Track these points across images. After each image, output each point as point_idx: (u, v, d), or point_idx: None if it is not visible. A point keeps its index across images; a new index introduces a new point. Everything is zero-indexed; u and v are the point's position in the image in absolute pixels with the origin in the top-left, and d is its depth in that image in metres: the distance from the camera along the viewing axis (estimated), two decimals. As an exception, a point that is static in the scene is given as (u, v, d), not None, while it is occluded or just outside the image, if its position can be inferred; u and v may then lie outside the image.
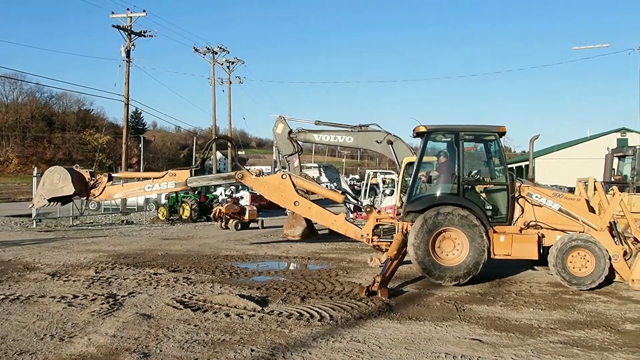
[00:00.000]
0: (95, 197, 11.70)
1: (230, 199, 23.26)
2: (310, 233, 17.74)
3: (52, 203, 11.89)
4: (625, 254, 9.41)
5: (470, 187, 9.91)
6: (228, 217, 21.24)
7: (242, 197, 29.09)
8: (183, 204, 25.37)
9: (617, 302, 8.58)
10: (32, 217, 20.83)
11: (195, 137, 78.97)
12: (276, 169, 18.34)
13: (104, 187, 11.43)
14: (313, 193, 12.14)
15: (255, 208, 22.92)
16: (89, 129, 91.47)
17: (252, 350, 5.91)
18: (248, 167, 11.77)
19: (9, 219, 23.24)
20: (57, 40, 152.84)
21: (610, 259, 9.24)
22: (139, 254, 13.37)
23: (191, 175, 11.11)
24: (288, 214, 22.70)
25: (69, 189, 11.15)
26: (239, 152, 63.32)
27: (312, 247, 15.28)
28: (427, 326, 7.05)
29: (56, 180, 11.18)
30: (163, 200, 27.87)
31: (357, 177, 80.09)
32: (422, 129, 10.07)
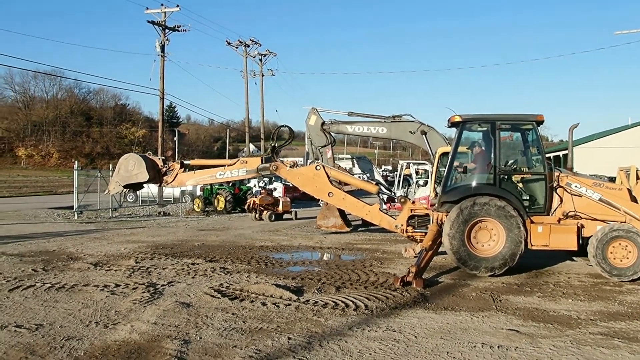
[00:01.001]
0: (167, 184, 11.89)
1: (264, 191, 23.48)
2: (344, 224, 17.77)
3: (126, 190, 12.13)
4: (668, 244, 9.16)
5: (507, 177, 9.78)
6: (262, 208, 21.46)
7: (275, 189, 29.35)
8: (218, 196, 25.73)
9: (660, 294, 8.39)
10: (74, 209, 21.45)
11: (228, 130, 79.73)
12: (309, 161, 18.41)
13: (177, 174, 11.59)
14: (347, 184, 12.16)
15: (288, 199, 23.07)
16: (126, 123, 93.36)
17: (289, 338, 6.00)
18: (282, 159, 11.82)
19: (52, 211, 23.96)
20: (93, 36, 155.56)
21: (653, 250, 9.02)
22: (177, 244, 13.64)
23: (262, 163, 11.18)
24: (321, 205, 22.82)
25: (144, 176, 11.36)
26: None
27: (346, 238, 15.34)
28: (463, 316, 7.03)
29: (131, 167, 11.40)
30: (198, 192, 28.32)
31: (390, 168, 79.70)
32: (457, 119, 9.97)
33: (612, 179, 11.85)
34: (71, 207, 23.06)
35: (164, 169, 11.51)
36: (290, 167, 11.01)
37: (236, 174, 11.27)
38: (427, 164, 35.47)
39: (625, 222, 9.36)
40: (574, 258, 11.05)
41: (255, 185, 29.46)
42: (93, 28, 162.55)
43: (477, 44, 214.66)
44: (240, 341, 5.89)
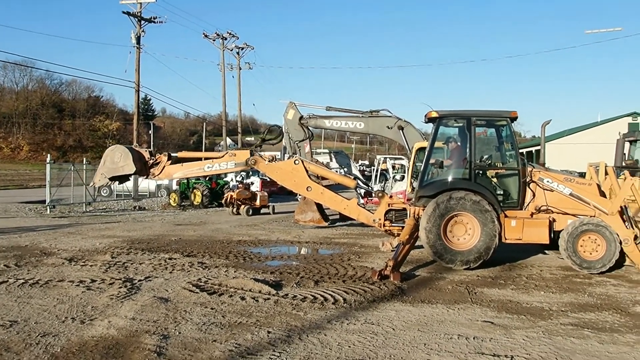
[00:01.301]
0: (155, 177, 11.72)
1: (241, 185, 23.43)
2: (322, 219, 17.84)
3: (112, 182, 11.94)
4: (635, 238, 9.44)
5: (482, 172, 9.96)
6: (239, 202, 21.42)
7: (252, 183, 29.27)
8: (194, 190, 25.55)
9: (628, 286, 8.66)
10: (47, 204, 21.09)
11: (204, 123, 79.14)
12: (286, 155, 18.41)
13: (164, 166, 11.46)
14: (325, 178, 12.21)
15: (266, 194, 23.06)
16: (99, 116, 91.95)
17: (268, 332, 6.04)
18: (260, 153, 11.79)
19: (23, 205, 23.56)
20: (66, 26, 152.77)
21: (620, 243, 9.29)
22: (153, 239, 13.56)
23: (251, 156, 11.12)
24: (299, 199, 22.84)
25: (130, 168, 11.19)
26: (248, 138, 63.34)
27: (324, 232, 15.42)
28: (440, 309, 7.16)
29: (117, 159, 11.20)
30: (174, 187, 28.09)
31: (367, 162, 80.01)
32: (434, 115, 10.10)
33: (582, 175, 12.16)
34: (43, 202, 22.69)
35: (151, 161, 11.38)
36: (269, 161, 11.02)
37: (225, 166, 11.20)
38: (403, 159, 35.77)
39: (594, 216, 9.62)
40: (546, 251, 11.32)
41: (232, 180, 29.34)
42: (66, 17, 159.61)
43: (453, 39, 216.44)
44: (220, 335, 5.92)
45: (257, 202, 21.89)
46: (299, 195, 23.55)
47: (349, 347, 5.60)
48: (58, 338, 5.73)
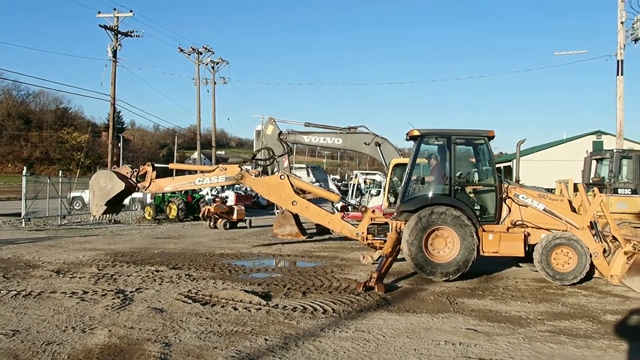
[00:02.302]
0: (145, 190, 11.89)
1: (218, 199, 23.56)
2: (300, 232, 18.13)
3: (112, 212, 12.12)
4: (604, 251, 10.03)
5: (461, 188, 10.43)
6: (217, 216, 21.55)
7: (227, 197, 29.41)
8: (170, 204, 25.55)
9: (598, 296, 9.19)
10: (22, 217, 20.86)
11: (176, 136, 78.68)
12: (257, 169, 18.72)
13: (151, 178, 11.64)
14: (308, 193, 12.55)
15: (243, 208, 23.25)
16: (67, 128, 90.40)
17: (265, 339, 6.32)
18: (247, 168, 12.05)
19: (-4, 218, 23.23)
20: (34, 37, 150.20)
21: (591, 256, 9.85)
22: (135, 252, 13.63)
23: (241, 170, 11.37)
24: (277, 214, 23.09)
25: (119, 185, 11.38)
26: (219, 152, 63.28)
27: (303, 246, 15.70)
28: (425, 318, 7.53)
29: (103, 184, 11.40)
30: (149, 200, 27.98)
31: (338, 177, 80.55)
32: (416, 133, 10.57)
33: (549, 190, 12.77)
34: (15, 214, 22.44)
35: (134, 175, 11.56)
36: (255, 176, 11.31)
37: (215, 180, 11.45)
38: (376, 174, 36.41)
39: (566, 231, 10.17)
40: (520, 264, 11.84)
41: (207, 194, 29.40)
42: (34, 28, 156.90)
43: (426, 59, 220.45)
44: (219, 343, 6.16)
45: (234, 216, 22.05)
46: (276, 209, 23.85)
47: (344, 352, 5.92)
48: (63, 346, 5.90)
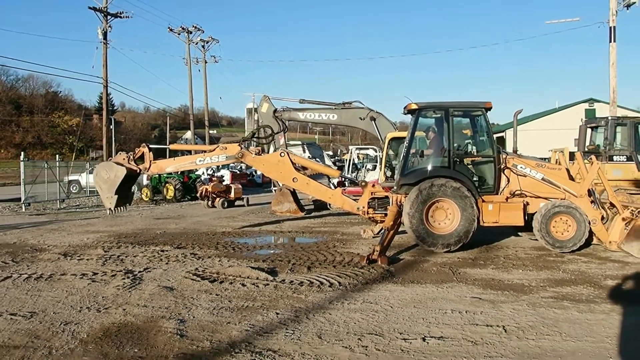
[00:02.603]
0: (147, 171, 12.03)
1: (215, 178, 23.64)
2: (298, 209, 18.29)
3: (123, 204, 12.36)
4: (602, 218, 10.23)
5: (460, 160, 10.55)
6: (214, 195, 21.64)
7: (222, 176, 29.48)
8: (167, 184, 25.58)
9: (597, 262, 9.41)
10: (22, 202, 20.88)
11: (167, 117, 78.22)
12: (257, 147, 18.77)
13: (150, 159, 11.81)
14: (307, 169, 12.64)
15: (240, 186, 23.33)
16: (58, 112, 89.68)
17: (277, 313, 6.48)
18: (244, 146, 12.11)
19: (-4, 203, 23.23)
20: (23, 20, 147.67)
21: (589, 223, 10.04)
22: (138, 233, 13.74)
23: (241, 149, 11.47)
24: (274, 191, 23.21)
25: (121, 171, 11.56)
26: (211, 131, 63.06)
27: (303, 222, 15.85)
28: (429, 288, 7.72)
29: (105, 175, 11.53)
30: (145, 182, 27.99)
31: (330, 153, 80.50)
32: (414, 106, 10.64)
33: (544, 160, 12.91)
34: (15, 199, 22.45)
35: (131, 159, 11.63)
36: (256, 154, 11.39)
37: (216, 159, 11.53)
38: (369, 149, 36.49)
39: (565, 199, 10.35)
40: (519, 233, 12.04)
41: (203, 173, 29.43)
42: (21, 11, 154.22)
43: (417, 30, 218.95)
44: (232, 318, 6.32)
45: (232, 195, 22.16)
46: (273, 187, 23.97)
47: (355, 323, 6.09)
48: (80, 325, 6.03)
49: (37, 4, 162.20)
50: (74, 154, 66.85)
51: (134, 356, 5.13)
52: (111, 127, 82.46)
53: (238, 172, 36.61)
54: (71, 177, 27.57)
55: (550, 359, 5.00)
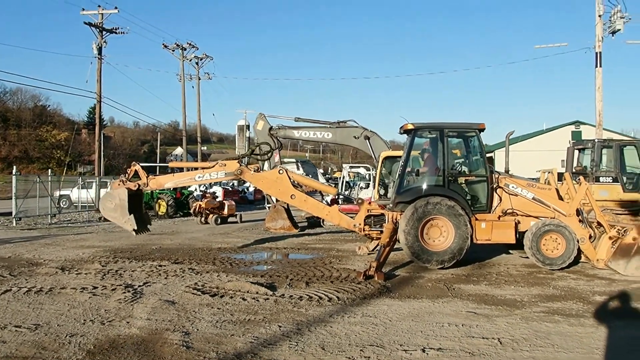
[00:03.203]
0: (146, 187, 12.22)
1: (209, 195, 23.77)
2: (292, 226, 18.46)
3: (142, 227, 12.53)
4: (590, 237, 10.53)
5: (454, 179, 10.83)
6: (208, 212, 21.78)
7: (215, 193, 29.59)
8: (159, 200, 25.65)
9: (585, 279, 9.69)
10: (13, 216, 20.85)
11: (158, 133, 78.23)
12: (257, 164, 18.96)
13: (146, 175, 12.08)
14: (305, 186, 12.85)
15: (233, 203, 23.49)
16: (46, 126, 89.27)
17: (279, 326, 6.64)
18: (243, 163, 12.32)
19: (-13, 218, 23.13)
20: (10, 32, 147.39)
21: (578, 242, 10.34)
22: (134, 248, 13.83)
23: (240, 166, 11.68)
24: (267, 208, 23.36)
25: (122, 192, 11.86)
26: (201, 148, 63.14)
27: (298, 239, 16.03)
28: (426, 303, 7.93)
29: (111, 205, 11.85)
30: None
31: (322, 170, 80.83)
32: (410, 126, 10.94)
33: (533, 180, 13.23)
34: (4, 214, 22.38)
35: (126, 180, 11.88)
36: (255, 171, 11.59)
37: (215, 176, 11.71)
38: (360, 167, 36.78)
39: (554, 218, 10.65)
40: (510, 251, 12.31)
41: (196, 190, 29.53)
42: (12, 24, 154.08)
43: (412, 52, 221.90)
44: (235, 330, 6.47)
45: (225, 211, 22.32)
46: (267, 204, 24.12)
47: (356, 336, 6.27)
48: (86, 337, 6.15)
49: (29, 18, 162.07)
50: (65, 168, 66.46)
51: (143, 366, 5.27)
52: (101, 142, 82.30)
53: (230, 189, 36.75)
54: (61, 192, 27.55)
55: (545, 370, 5.22)
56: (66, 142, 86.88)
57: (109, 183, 28.52)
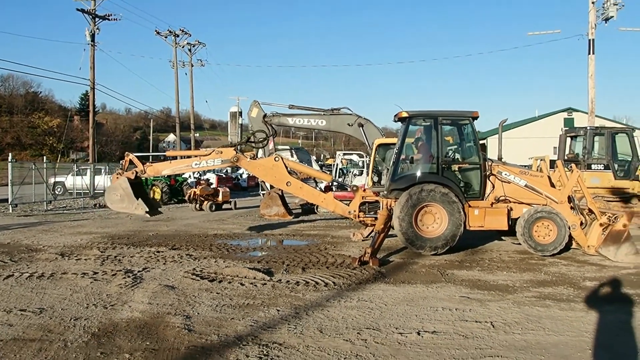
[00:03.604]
0: (144, 174, 12.36)
1: (203, 181, 23.86)
2: (286, 212, 18.59)
3: (151, 210, 12.60)
4: (581, 223, 10.74)
5: (448, 166, 10.99)
6: (202, 199, 21.88)
7: (208, 180, 29.68)
8: (153, 187, 25.69)
9: (576, 265, 9.91)
10: (9, 203, 20.89)
11: (151, 120, 77.95)
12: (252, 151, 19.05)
13: (141, 162, 12.28)
14: (301, 173, 12.99)
15: (228, 190, 23.59)
16: (38, 112, 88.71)
17: (277, 310, 6.81)
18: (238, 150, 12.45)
19: (-21, 205, 23.14)
20: (1, 20, 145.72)
21: (569, 228, 10.55)
22: (131, 235, 13.96)
23: (236, 153, 11.79)
24: (261, 195, 23.48)
25: (123, 180, 11.99)
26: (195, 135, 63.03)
27: (292, 226, 16.19)
28: (420, 288, 8.12)
29: (116, 196, 11.98)
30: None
31: (314, 157, 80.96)
32: (405, 114, 11.06)
33: (525, 167, 13.44)
34: (4, 201, 22.40)
35: (122, 171, 12.05)
36: (251, 158, 11.70)
37: (212, 163, 11.82)
38: (353, 154, 36.90)
39: (546, 205, 10.85)
40: (502, 237, 12.53)
41: (190, 177, 29.60)
42: (3, 10, 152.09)
43: (405, 39, 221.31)
44: (235, 314, 6.64)
45: (220, 198, 22.42)
46: (261, 190, 24.24)
47: (352, 319, 6.45)
48: (90, 321, 6.30)
49: (21, 5, 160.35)
50: (58, 155, 66.17)
51: (147, 348, 5.42)
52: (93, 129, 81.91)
53: (224, 176, 36.82)
54: (56, 179, 27.56)
55: (535, 350, 5.42)
56: (58, 128, 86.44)
57: (103, 170, 28.65)
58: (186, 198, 22.75)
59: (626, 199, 15.95)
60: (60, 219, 18.07)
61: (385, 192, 11.37)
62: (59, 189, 28.34)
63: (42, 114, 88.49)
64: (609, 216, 10.53)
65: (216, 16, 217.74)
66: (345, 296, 7.57)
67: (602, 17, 25.32)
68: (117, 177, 12.19)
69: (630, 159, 16.26)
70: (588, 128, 16.88)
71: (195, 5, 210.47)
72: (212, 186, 24.38)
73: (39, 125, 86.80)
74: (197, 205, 21.83)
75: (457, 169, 11.17)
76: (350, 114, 18.30)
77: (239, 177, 41.12)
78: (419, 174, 10.88)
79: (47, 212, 20.82)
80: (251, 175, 41.50)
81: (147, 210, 12.17)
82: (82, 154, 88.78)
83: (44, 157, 25.06)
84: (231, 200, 23.14)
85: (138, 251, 11.20)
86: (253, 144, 14.14)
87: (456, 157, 11.29)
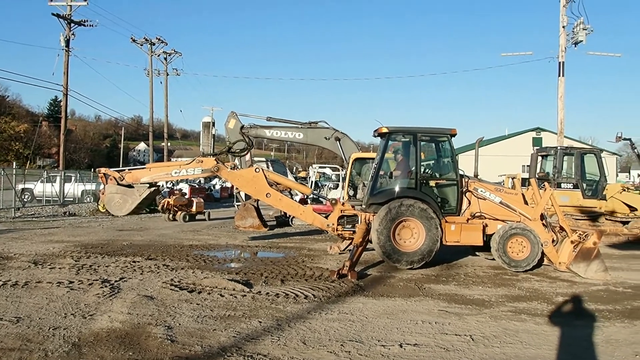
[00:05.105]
0: (122, 181, 12.44)
1: (177, 192, 23.66)
2: (261, 224, 18.54)
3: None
4: (553, 241, 11.03)
5: (426, 182, 11.18)
6: (176, 209, 21.68)
7: (181, 190, 29.40)
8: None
9: (548, 281, 10.16)
10: (-25, 209, 20.39)
11: (123, 128, 76.95)
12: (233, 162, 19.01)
13: (116, 172, 12.36)
14: (280, 185, 13.03)
15: (202, 200, 23.44)
16: (5, 117, 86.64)
17: (259, 322, 6.82)
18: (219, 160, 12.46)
19: (-58, 210, 22.47)
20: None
21: (542, 245, 10.82)
22: (104, 244, 13.75)
23: (217, 163, 11.81)
24: (236, 206, 23.39)
25: (113, 186, 12.26)
26: (163, 144, 62.45)
27: (268, 238, 16.18)
28: (399, 301, 8.22)
29: (118, 198, 12.16)
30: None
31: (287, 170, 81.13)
32: (385, 130, 11.24)
33: (498, 184, 13.74)
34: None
35: (107, 179, 12.06)
36: (231, 168, 11.70)
37: (192, 172, 11.78)
38: (326, 167, 37.06)
39: (520, 222, 11.11)
40: (477, 253, 12.76)
41: (163, 186, 29.26)
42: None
43: (381, 55, 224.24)
44: (217, 325, 6.62)
45: (194, 209, 22.26)
46: (236, 202, 24.15)
47: (335, 331, 6.51)
48: (69, 330, 6.21)
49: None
50: (25, 161, 64.66)
51: (130, 358, 5.38)
52: (62, 134, 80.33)
53: (197, 186, 36.53)
54: (25, 186, 26.96)
55: (515, 364, 5.57)
56: (25, 134, 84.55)
57: (73, 178, 28.15)
58: (159, 208, 22.48)
59: (593, 218, 16.42)
60: (30, 227, 17.69)
61: (364, 206, 11.49)
62: (26, 196, 27.71)
63: (9, 119, 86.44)
64: (580, 234, 10.84)
65: (193, 25, 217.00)
66: (325, 309, 7.62)
67: (572, 41, 26.13)
68: (105, 187, 12.18)
69: (597, 179, 16.79)
70: (558, 148, 17.38)
71: (171, 13, 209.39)
72: (185, 196, 24.17)
73: (5, 130, 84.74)
74: (170, 216, 21.62)
75: (434, 185, 11.37)
76: (328, 128, 18.44)
77: (212, 187, 40.84)
78: (397, 189, 11.04)
79: (16, 219, 20.35)
80: (224, 186, 41.41)
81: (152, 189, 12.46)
82: (49, 160, 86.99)
83: (14, 163, 24.44)
84: (205, 211, 22.99)
85: (113, 261, 11.05)
86: (233, 154, 14.13)
87: (434, 173, 11.49)
